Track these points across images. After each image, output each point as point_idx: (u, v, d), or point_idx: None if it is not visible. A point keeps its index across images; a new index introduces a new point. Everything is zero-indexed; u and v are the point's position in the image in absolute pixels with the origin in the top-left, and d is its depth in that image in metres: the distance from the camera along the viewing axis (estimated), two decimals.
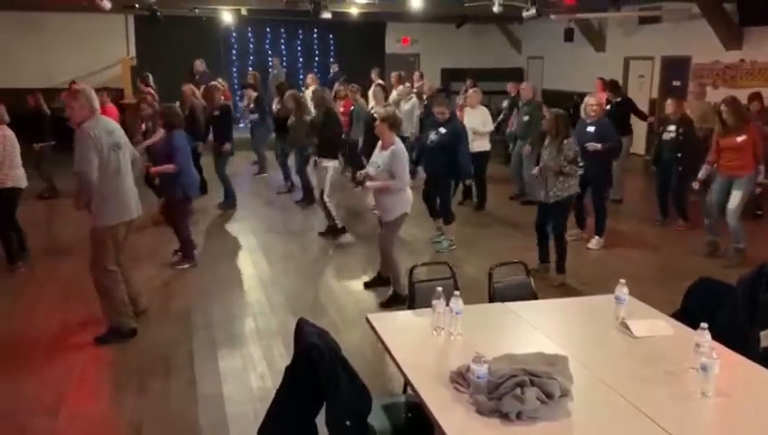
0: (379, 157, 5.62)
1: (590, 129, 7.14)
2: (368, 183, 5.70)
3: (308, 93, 10.94)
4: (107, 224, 4.74)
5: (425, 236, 7.51)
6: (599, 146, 6.96)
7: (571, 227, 7.30)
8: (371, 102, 9.93)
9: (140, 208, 5.05)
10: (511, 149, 10.05)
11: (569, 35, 14.54)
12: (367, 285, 6.09)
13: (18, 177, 6.38)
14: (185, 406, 4.03)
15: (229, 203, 8.99)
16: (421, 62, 17.23)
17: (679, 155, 7.77)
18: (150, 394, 4.17)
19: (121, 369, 4.52)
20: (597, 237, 7.34)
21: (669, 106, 8.05)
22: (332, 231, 7.65)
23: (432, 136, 7.18)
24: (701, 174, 7.01)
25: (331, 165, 7.52)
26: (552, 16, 13.14)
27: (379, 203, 5.78)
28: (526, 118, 9.20)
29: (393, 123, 5.57)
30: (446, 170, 7.15)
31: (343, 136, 9.08)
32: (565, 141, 5.98)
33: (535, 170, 6.32)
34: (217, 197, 9.17)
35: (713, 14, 11.13)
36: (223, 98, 9.85)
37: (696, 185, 7.13)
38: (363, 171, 5.88)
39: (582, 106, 7.41)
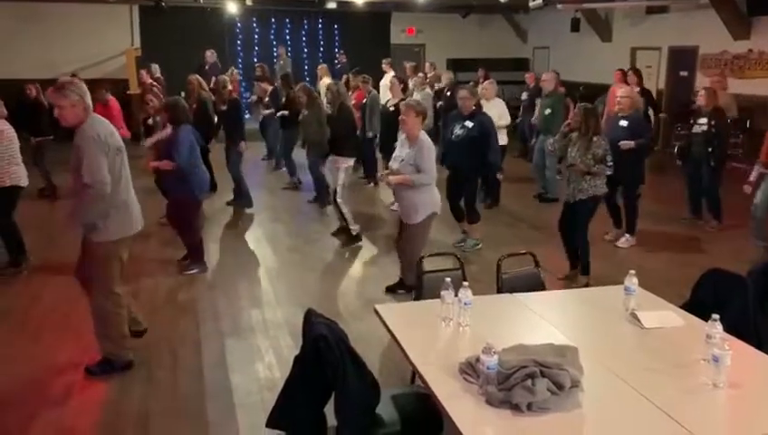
0: (402, 151, 5.23)
1: (623, 123, 6.71)
2: (391, 178, 5.20)
3: (321, 85, 10.69)
4: (110, 239, 4.06)
5: (448, 241, 6.87)
6: (632, 144, 6.53)
7: (608, 228, 7.11)
8: (386, 95, 9.50)
9: (142, 220, 4.38)
10: (531, 144, 9.45)
11: (575, 25, 14.44)
12: (389, 289, 5.66)
13: (18, 174, 5.99)
14: (192, 396, 4.04)
15: (242, 202, 8.46)
16: (426, 52, 17.17)
17: (711, 149, 7.26)
18: (158, 384, 4.18)
19: None
20: (627, 235, 6.99)
21: (701, 97, 7.47)
22: (345, 232, 7.20)
23: (457, 130, 6.67)
24: (752, 175, 6.53)
25: (345, 164, 7.09)
26: (559, 6, 13.08)
27: (404, 203, 5.25)
28: (548, 111, 8.62)
29: (424, 115, 5.20)
30: (472, 167, 6.67)
31: (357, 132, 8.54)
32: (595, 138, 5.58)
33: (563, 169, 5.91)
34: (224, 194, 8.92)
35: (720, 3, 11.03)
36: (230, 90, 9.21)
37: (746, 188, 6.65)
38: (386, 170, 5.42)
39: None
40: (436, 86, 11.41)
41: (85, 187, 3.85)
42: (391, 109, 8.51)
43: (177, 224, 6.26)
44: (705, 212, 7.76)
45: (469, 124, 6.60)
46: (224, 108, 8.55)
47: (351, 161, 7.27)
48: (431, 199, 5.24)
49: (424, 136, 5.22)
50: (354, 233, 7.14)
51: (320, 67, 12.62)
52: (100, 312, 4.18)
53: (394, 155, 5.39)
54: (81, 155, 3.86)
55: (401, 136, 5.31)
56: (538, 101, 10.55)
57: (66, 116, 3.89)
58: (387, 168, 5.50)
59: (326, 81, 11.33)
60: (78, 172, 3.88)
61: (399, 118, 5.32)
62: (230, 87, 8.90)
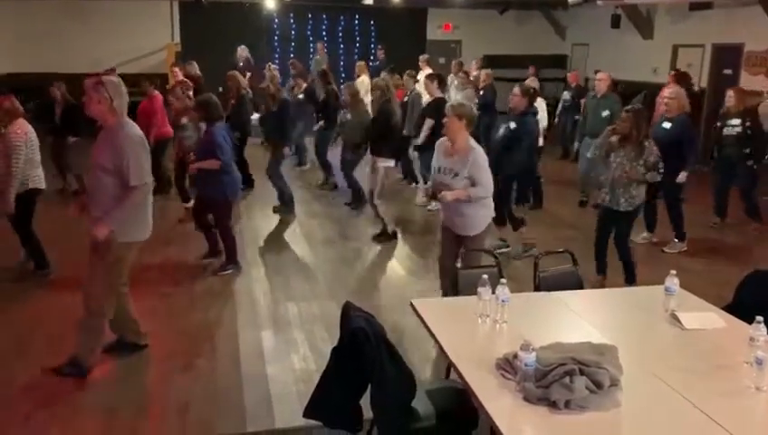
0: (448, 161, 4.63)
1: (666, 124, 6.52)
2: (446, 194, 4.52)
3: (359, 82, 10.58)
4: (127, 241, 4.00)
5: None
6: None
7: (641, 230, 6.87)
8: (424, 94, 9.02)
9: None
10: (578, 147, 8.98)
11: (615, 22, 14.20)
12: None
13: (39, 177, 5.70)
14: (230, 385, 4.12)
15: (288, 208, 8.13)
16: (463, 48, 17.08)
17: (748, 150, 7.08)
18: (197, 373, 4.27)
19: (168, 348, 4.62)
20: (676, 241, 6.79)
21: (730, 98, 7.34)
22: (385, 235, 7.09)
23: (501, 131, 6.49)
24: None
25: (384, 165, 6.92)
26: (599, 2, 12.87)
27: (460, 217, 4.67)
28: (606, 113, 7.88)
29: (470, 120, 4.65)
30: (503, 169, 6.27)
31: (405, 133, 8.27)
32: (646, 143, 5.30)
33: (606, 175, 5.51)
34: (258, 192, 8.91)
35: None
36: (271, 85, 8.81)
37: None
38: (426, 185, 4.99)
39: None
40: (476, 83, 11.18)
41: (129, 189, 3.85)
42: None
43: (203, 224, 6.19)
44: (738, 213, 7.61)
45: (512, 125, 6.41)
46: (274, 109, 8.22)
47: (391, 163, 7.10)
48: (489, 210, 4.79)
49: (475, 144, 4.68)
50: (390, 232, 7.09)
51: (358, 64, 12.39)
52: (97, 310, 4.06)
53: (435, 165, 4.77)
54: (122, 156, 3.82)
55: (446, 143, 4.72)
56: (582, 102, 10.39)
57: (91, 107, 3.91)
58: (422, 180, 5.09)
59: (364, 78, 11.27)
60: (113, 173, 3.85)
61: (444, 122, 4.75)
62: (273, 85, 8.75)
